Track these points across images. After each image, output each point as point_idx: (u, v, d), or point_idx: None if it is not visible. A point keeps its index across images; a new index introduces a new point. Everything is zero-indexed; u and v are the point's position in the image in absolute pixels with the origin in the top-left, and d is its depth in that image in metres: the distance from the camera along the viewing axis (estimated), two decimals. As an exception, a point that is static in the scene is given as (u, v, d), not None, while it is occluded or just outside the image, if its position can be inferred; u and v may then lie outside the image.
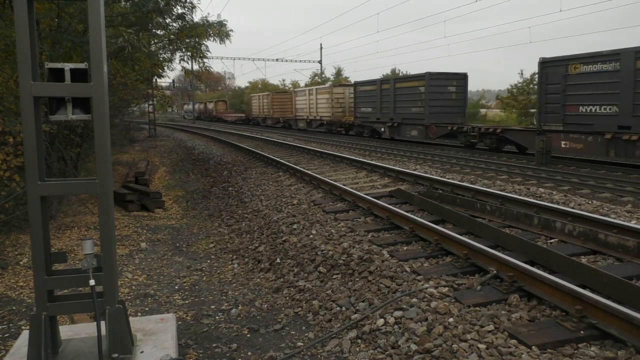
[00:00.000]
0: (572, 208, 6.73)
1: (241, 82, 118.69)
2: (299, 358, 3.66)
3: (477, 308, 3.82)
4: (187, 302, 5.11)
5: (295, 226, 6.89)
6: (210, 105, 59.53)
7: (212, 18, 10.39)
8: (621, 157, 12.49)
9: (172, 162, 18.24)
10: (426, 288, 4.12)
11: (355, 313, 4.08)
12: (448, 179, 9.31)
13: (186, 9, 9.88)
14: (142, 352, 3.16)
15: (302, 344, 3.89)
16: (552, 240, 5.43)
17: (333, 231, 6.23)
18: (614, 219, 5.98)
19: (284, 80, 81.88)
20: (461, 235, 5.22)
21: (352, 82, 28.72)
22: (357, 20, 59.48)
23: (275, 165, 12.85)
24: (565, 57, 13.53)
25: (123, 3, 9.72)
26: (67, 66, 2.82)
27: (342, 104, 28.49)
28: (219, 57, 54.25)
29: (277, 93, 40.06)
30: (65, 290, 4.45)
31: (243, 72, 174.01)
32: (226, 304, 4.96)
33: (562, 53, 14.39)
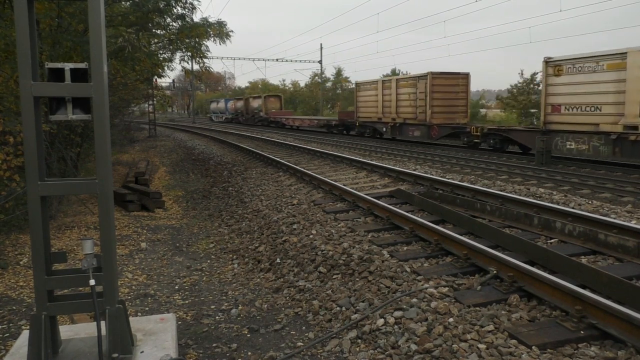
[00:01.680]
0: (572, 208, 6.73)
1: (241, 82, 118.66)
2: (299, 358, 3.66)
3: (477, 308, 3.82)
4: (187, 302, 5.11)
5: (295, 226, 6.89)
6: (256, 103, 41.96)
7: (212, 20, 10.39)
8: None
9: (172, 162, 18.25)
10: (426, 288, 4.12)
11: (355, 313, 4.08)
12: (448, 179, 9.31)
13: (186, 10, 9.89)
14: (142, 352, 3.16)
15: (302, 344, 3.89)
16: (552, 241, 5.43)
17: (333, 231, 6.23)
18: (614, 219, 5.97)
19: (284, 80, 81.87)
20: (461, 235, 5.22)
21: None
22: (357, 20, 59.45)
23: (275, 165, 12.85)
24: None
25: (123, 3, 9.73)
26: (67, 66, 2.82)
27: None
28: (219, 57, 50.56)
29: (443, 74, 19.91)
30: (65, 290, 4.45)
31: (243, 72, 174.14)
32: (226, 304, 4.96)
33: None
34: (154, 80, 19.75)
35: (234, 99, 50.87)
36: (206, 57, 11.02)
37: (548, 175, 11.58)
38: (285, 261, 5.90)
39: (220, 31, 10.37)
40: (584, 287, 3.84)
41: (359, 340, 3.70)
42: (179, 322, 4.41)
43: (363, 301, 4.21)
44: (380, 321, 3.76)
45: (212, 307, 4.90)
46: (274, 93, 46.14)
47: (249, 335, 4.16)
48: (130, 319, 3.32)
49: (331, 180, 9.51)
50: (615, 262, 4.72)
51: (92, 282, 2.90)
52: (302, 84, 61.27)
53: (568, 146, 13.70)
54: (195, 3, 9.81)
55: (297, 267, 5.60)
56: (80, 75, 2.85)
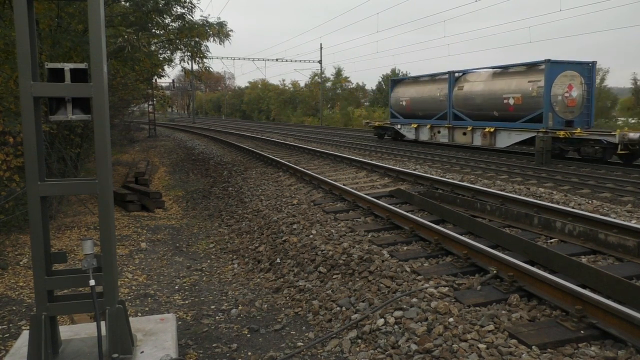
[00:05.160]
0: (572, 208, 6.73)
1: (241, 82, 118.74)
2: (299, 358, 3.66)
3: (477, 308, 3.82)
4: (187, 302, 5.11)
5: (295, 226, 6.89)
6: None
7: (212, 19, 10.40)
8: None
9: (172, 162, 18.25)
10: (426, 288, 4.12)
11: (355, 313, 4.08)
12: (448, 178, 9.31)
13: (186, 10, 9.88)
14: (142, 352, 3.16)
15: (302, 344, 3.89)
16: (552, 240, 5.43)
17: (333, 231, 6.23)
18: (614, 218, 5.97)
19: (283, 80, 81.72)
20: (461, 235, 5.22)
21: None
22: (357, 20, 59.49)
23: (275, 165, 12.85)
24: None
25: (123, 3, 9.73)
26: (67, 66, 2.82)
27: None
28: (219, 57, 50.48)
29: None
30: (66, 290, 4.45)
31: (243, 72, 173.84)
32: (226, 304, 4.96)
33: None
34: (154, 80, 19.75)
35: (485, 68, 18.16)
36: (206, 57, 11.03)
37: (548, 175, 11.58)
38: (285, 261, 5.90)
39: (220, 31, 10.37)
40: (584, 287, 3.84)
41: (359, 340, 3.70)
42: (179, 322, 4.41)
43: (363, 301, 4.21)
44: (381, 321, 3.76)
45: (212, 307, 4.90)
46: None
47: (249, 335, 4.16)
48: (130, 319, 3.32)
49: (331, 180, 9.51)
50: (615, 262, 4.72)
51: (92, 282, 2.90)
52: (302, 84, 61.25)
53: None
54: (195, 2, 9.81)
55: (297, 267, 5.60)
56: (80, 75, 2.85)
